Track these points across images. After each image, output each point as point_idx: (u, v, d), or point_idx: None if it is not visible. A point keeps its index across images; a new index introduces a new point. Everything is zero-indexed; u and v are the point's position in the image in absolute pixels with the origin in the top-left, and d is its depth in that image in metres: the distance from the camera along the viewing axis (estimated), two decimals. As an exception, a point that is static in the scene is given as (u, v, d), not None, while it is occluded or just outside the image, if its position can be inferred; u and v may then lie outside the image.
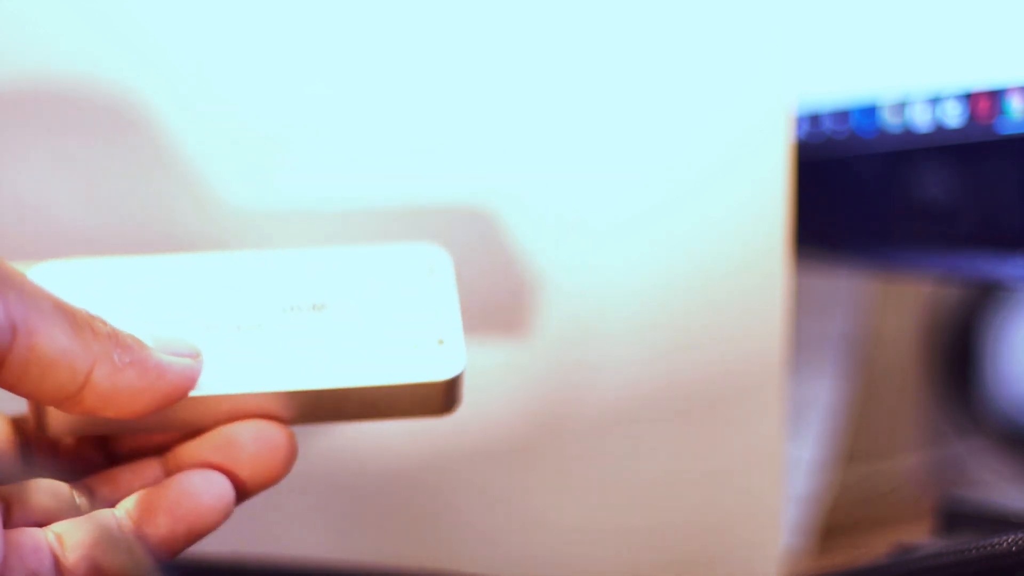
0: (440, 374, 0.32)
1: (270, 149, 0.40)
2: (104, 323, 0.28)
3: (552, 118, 0.41)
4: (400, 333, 0.33)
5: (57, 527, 0.29)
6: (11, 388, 0.27)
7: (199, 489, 0.30)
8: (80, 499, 0.31)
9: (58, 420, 0.31)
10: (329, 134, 0.40)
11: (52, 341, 0.27)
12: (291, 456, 0.31)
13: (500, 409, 0.42)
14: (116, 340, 0.28)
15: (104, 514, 0.30)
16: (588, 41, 0.40)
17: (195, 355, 0.31)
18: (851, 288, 0.61)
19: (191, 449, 0.31)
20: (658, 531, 0.43)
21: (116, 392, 0.28)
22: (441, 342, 0.33)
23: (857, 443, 0.64)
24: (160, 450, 0.32)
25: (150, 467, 0.32)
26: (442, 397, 0.32)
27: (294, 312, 0.33)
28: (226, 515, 0.30)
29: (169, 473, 0.31)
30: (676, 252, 0.41)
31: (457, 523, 0.43)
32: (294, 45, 0.40)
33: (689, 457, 0.43)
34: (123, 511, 0.30)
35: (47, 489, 0.30)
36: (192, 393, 0.30)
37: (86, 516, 0.30)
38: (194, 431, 0.32)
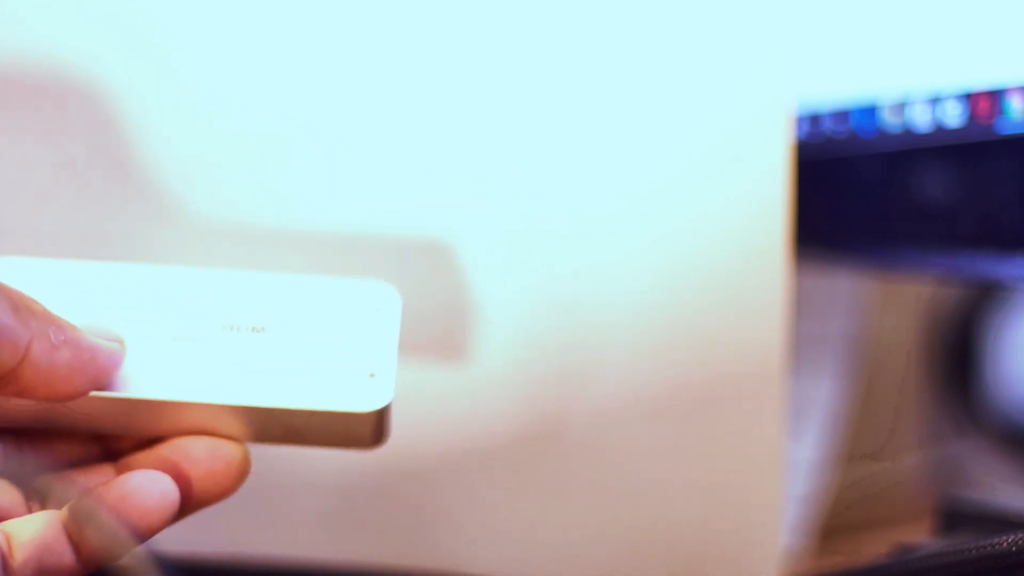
0: (366, 406, 0.32)
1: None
2: (38, 304, 0.29)
3: (552, 118, 0.41)
4: (333, 362, 0.33)
5: (6, 525, 0.29)
6: None
7: (143, 489, 0.30)
8: (38, 488, 0.31)
9: None
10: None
11: None
12: (243, 473, 0.32)
13: (500, 409, 0.42)
14: (51, 319, 0.29)
15: (54, 514, 0.30)
16: (588, 41, 0.40)
17: (119, 340, 0.32)
18: (851, 288, 0.61)
19: (143, 459, 0.32)
20: (658, 531, 0.43)
21: (53, 370, 0.29)
22: (373, 375, 0.33)
23: (857, 443, 0.64)
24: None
25: (103, 472, 0.32)
26: (367, 429, 0.33)
27: (233, 331, 0.34)
28: (171, 517, 0.30)
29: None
30: (676, 252, 0.41)
31: (457, 523, 0.43)
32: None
33: (689, 457, 0.43)
34: (66, 512, 0.30)
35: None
36: (120, 394, 0.31)
37: (36, 514, 0.30)
38: (138, 436, 0.32)
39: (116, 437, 0.33)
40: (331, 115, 0.41)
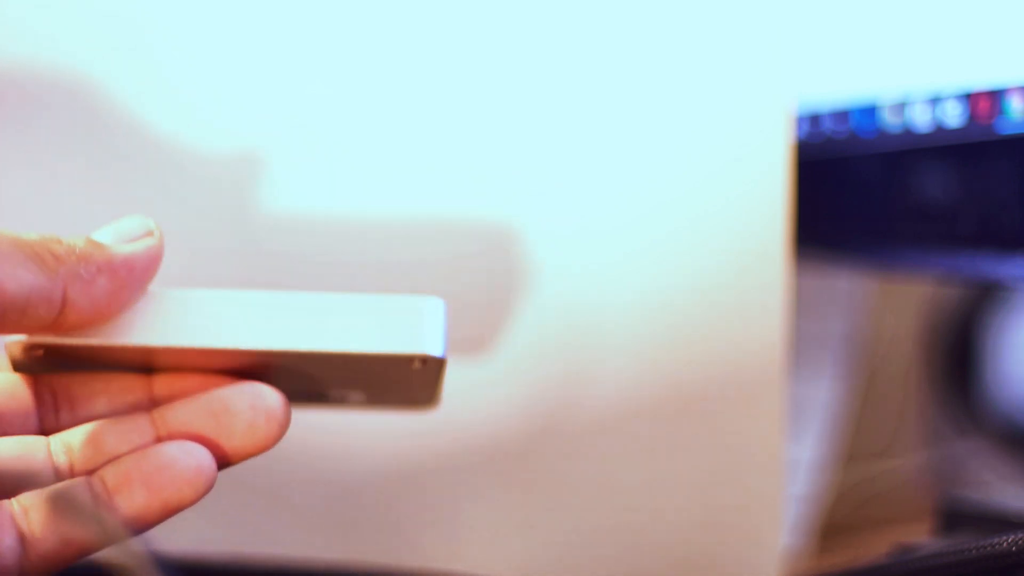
0: (427, 349, 0.31)
1: (263, 163, 0.40)
2: (59, 241, 0.28)
3: (552, 119, 0.41)
4: (388, 315, 0.32)
5: (24, 498, 0.29)
6: None
7: (178, 462, 0.29)
8: (61, 458, 0.30)
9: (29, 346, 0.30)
10: (319, 138, 0.40)
11: (18, 281, 0.27)
12: (284, 426, 0.31)
13: (500, 409, 0.42)
14: (77, 255, 0.28)
15: (77, 484, 0.29)
16: (588, 41, 0.40)
17: (152, 230, 0.30)
18: (851, 288, 0.61)
19: (183, 412, 0.31)
20: (658, 531, 0.43)
21: (94, 302, 0.28)
22: (424, 355, 0.32)
23: (857, 443, 0.64)
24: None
25: (138, 427, 0.31)
26: (430, 379, 0.32)
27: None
28: (206, 489, 0.30)
29: (159, 435, 0.31)
30: (676, 252, 0.41)
31: (457, 523, 0.43)
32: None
33: (689, 457, 0.43)
34: (98, 481, 0.29)
35: (21, 451, 0.30)
36: (172, 343, 0.30)
37: (57, 487, 0.29)
38: (184, 368, 0.31)
39: (156, 381, 0.32)
40: (330, 117, 0.41)
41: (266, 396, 0.31)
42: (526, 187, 0.41)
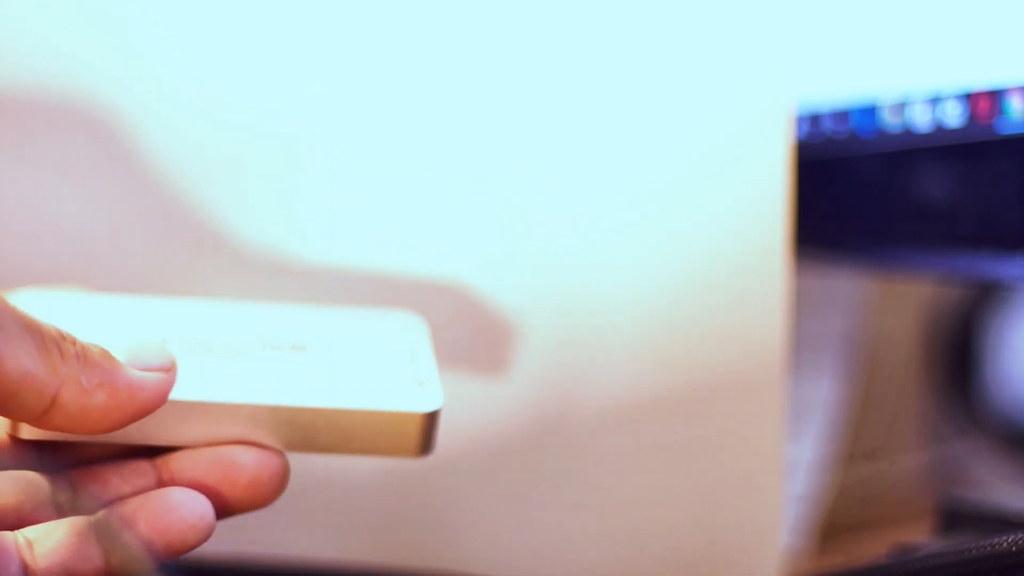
0: (419, 407, 0.32)
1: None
2: (73, 342, 0.28)
3: (553, 118, 0.41)
4: (380, 369, 0.33)
5: (29, 531, 0.29)
6: None
7: (184, 506, 0.29)
8: (64, 496, 0.30)
9: (29, 430, 0.30)
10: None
11: (17, 363, 0.26)
12: (283, 485, 0.31)
13: (500, 409, 0.42)
14: (85, 360, 0.28)
15: (79, 521, 0.29)
16: (588, 41, 0.40)
17: (168, 367, 0.30)
18: (851, 288, 0.61)
19: (187, 459, 0.31)
20: (658, 531, 0.43)
21: (85, 412, 0.28)
22: (420, 383, 0.33)
23: (857, 443, 0.64)
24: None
25: (141, 472, 0.31)
26: (418, 434, 0.32)
27: (274, 349, 0.33)
28: (207, 537, 0.30)
29: (161, 480, 0.31)
30: (676, 252, 0.41)
31: (457, 523, 0.43)
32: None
33: (689, 457, 0.43)
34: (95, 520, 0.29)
35: (23, 486, 0.30)
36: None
37: (60, 521, 0.29)
38: (177, 446, 0.31)
39: None
40: (328, 121, 0.41)
41: (270, 456, 0.31)
42: (526, 187, 0.41)
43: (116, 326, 0.33)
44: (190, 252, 0.40)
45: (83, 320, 0.33)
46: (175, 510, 0.29)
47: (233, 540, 0.43)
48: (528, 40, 0.40)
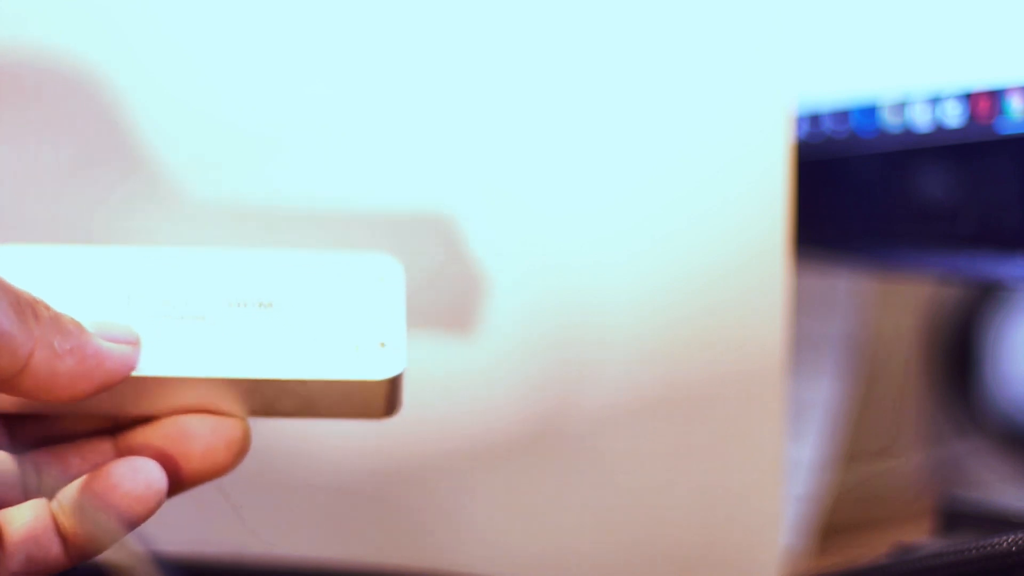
0: (379, 374, 0.32)
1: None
2: (47, 307, 0.29)
3: (552, 118, 0.41)
4: (343, 333, 0.33)
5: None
6: None
7: (128, 479, 0.30)
8: (30, 478, 0.31)
9: None
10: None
11: None
12: (243, 451, 0.32)
13: (500, 409, 0.42)
14: (57, 325, 0.29)
15: (41, 505, 0.30)
16: (588, 41, 0.40)
17: (134, 341, 0.31)
18: (851, 288, 0.61)
19: (143, 434, 0.32)
20: (658, 531, 0.43)
21: (54, 377, 0.28)
22: (383, 344, 0.33)
23: (857, 443, 0.64)
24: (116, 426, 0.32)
25: (102, 451, 0.32)
26: (381, 398, 0.32)
27: (240, 307, 0.33)
28: (156, 506, 0.30)
29: (120, 454, 0.31)
30: (676, 252, 0.41)
31: (457, 523, 0.43)
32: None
33: (689, 457, 0.43)
34: (56, 503, 0.30)
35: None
36: (131, 374, 0.31)
37: (24, 505, 0.30)
38: (140, 417, 0.32)
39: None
40: (337, 103, 0.41)
41: (228, 422, 0.32)
42: (527, 187, 0.41)
43: (82, 279, 0.34)
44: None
45: (48, 273, 0.33)
46: (121, 484, 0.30)
47: (233, 540, 0.43)
48: (528, 39, 0.40)
